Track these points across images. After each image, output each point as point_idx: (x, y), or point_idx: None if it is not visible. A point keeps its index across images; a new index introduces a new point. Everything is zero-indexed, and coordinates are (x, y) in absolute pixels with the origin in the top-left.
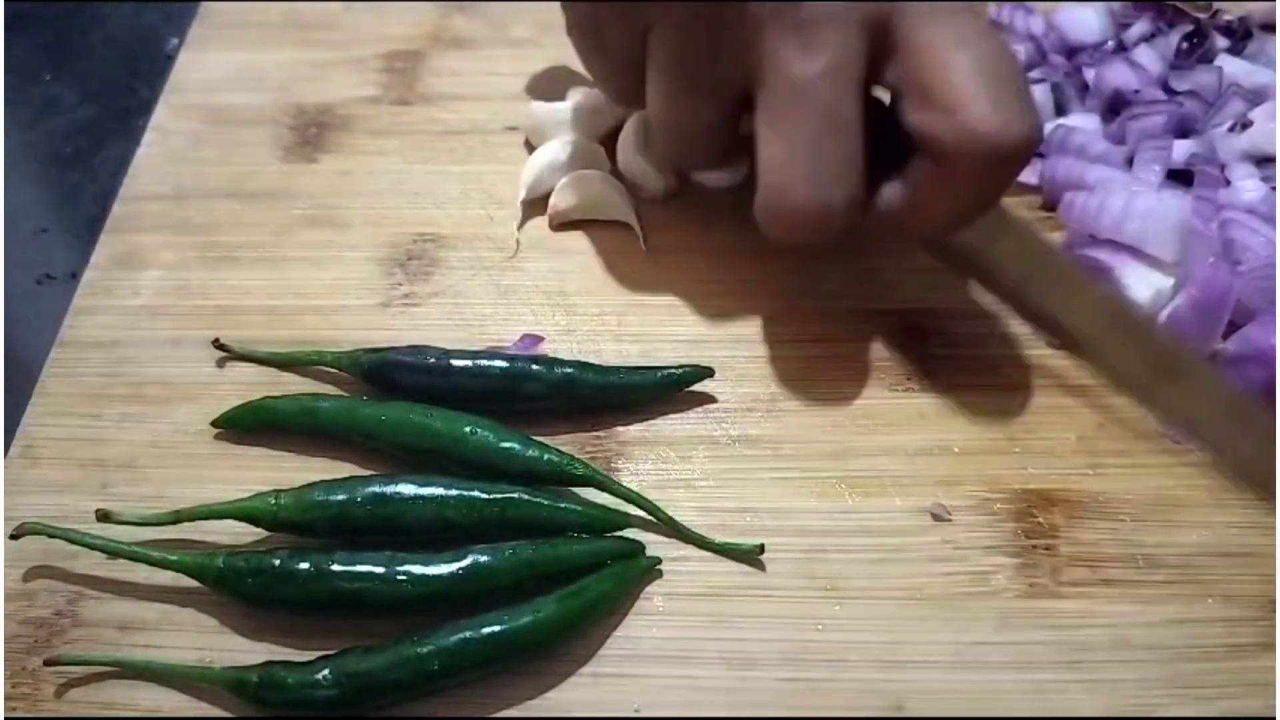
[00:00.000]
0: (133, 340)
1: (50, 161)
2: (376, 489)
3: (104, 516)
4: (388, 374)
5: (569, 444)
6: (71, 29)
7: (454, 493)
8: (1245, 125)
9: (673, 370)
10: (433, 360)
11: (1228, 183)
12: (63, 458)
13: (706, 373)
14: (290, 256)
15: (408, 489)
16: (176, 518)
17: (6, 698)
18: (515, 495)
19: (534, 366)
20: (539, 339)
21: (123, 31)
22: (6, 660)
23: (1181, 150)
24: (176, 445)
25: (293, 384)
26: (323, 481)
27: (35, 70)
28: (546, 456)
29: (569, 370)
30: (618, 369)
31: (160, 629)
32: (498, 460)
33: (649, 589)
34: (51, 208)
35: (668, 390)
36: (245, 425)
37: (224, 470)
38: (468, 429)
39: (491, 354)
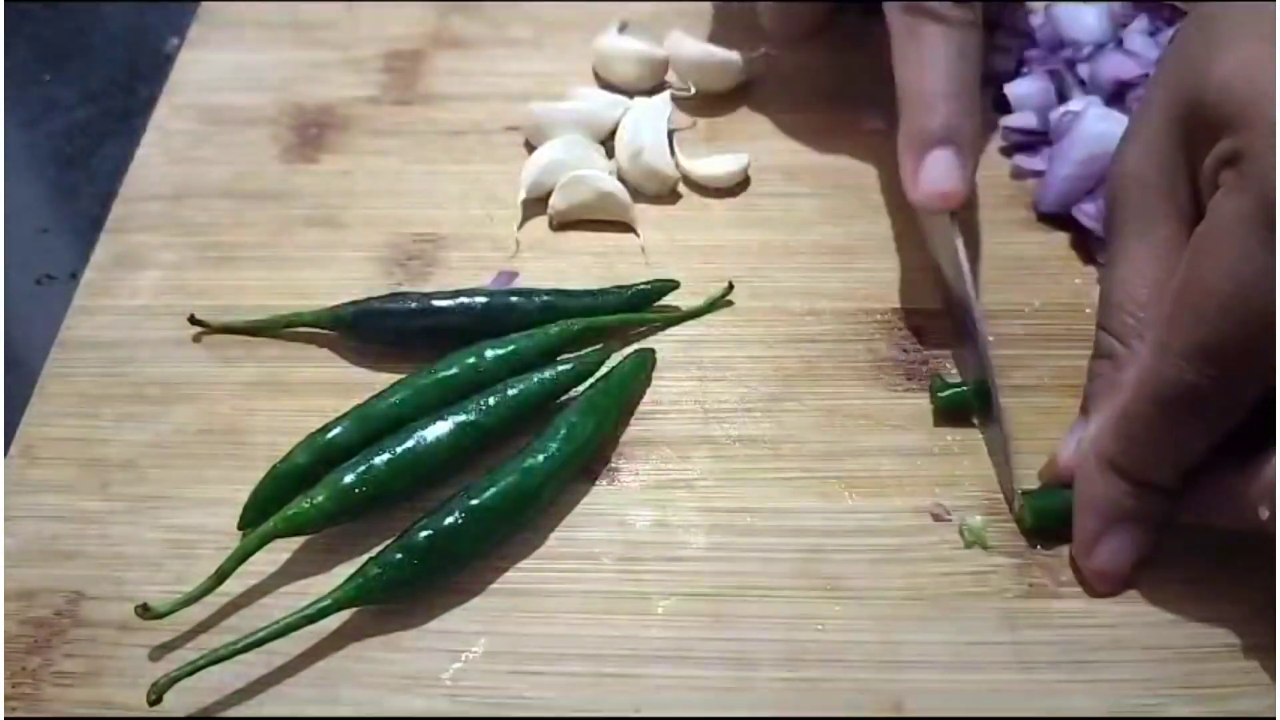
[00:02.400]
0: (133, 340)
1: (50, 161)
2: (392, 446)
3: (144, 611)
4: (370, 322)
5: None
6: (71, 29)
7: (460, 416)
8: None
9: (642, 286)
10: (414, 304)
11: None
12: (63, 458)
13: (672, 285)
14: (290, 256)
15: (419, 432)
16: (219, 577)
17: (6, 698)
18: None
19: (513, 298)
20: (514, 274)
21: (123, 31)
22: (6, 660)
23: None
24: (176, 445)
25: (287, 372)
26: (341, 467)
27: (35, 70)
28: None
29: (547, 298)
30: (591, 291)
31: (160, 628)
32: (515, 363)
33: (649, 589)
34: (51, 208)
35: (640, 304)
36: (271, 503)
37: (224, 470)
38: (471, 359)
39: (472, 291)
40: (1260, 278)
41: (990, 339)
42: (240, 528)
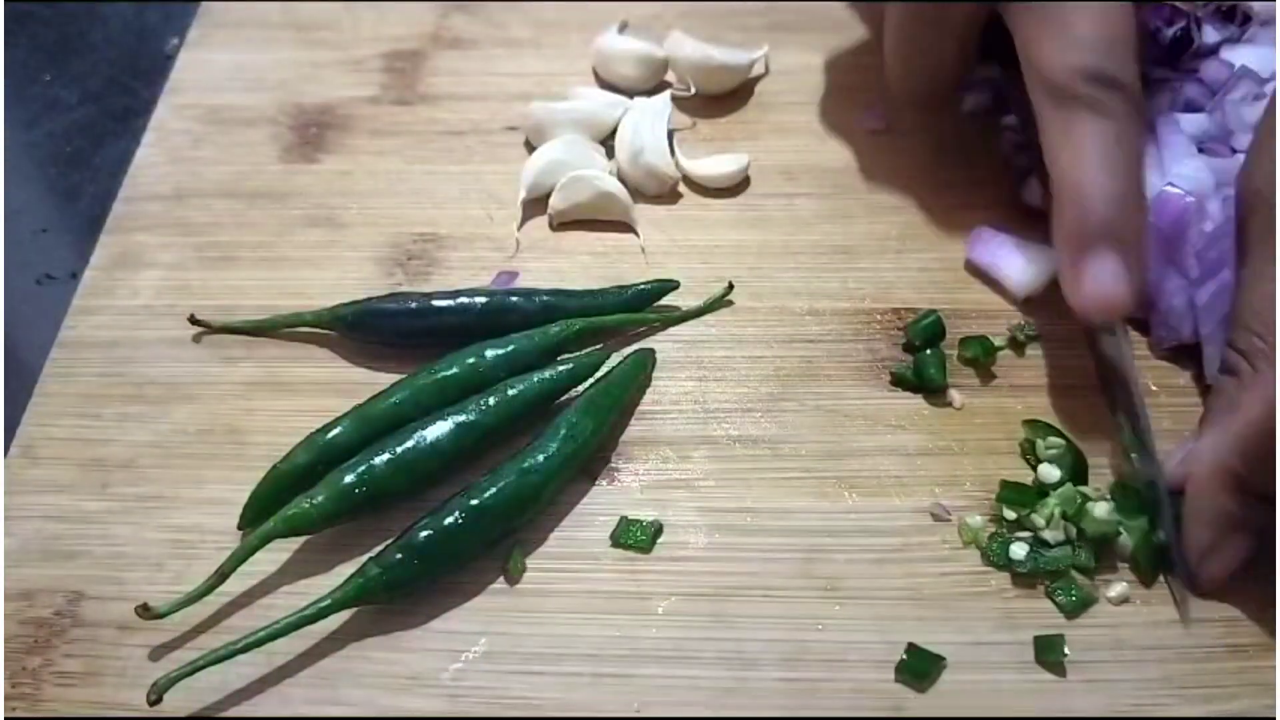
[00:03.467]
0: (133, 340)
1: (50, 161)
2: (392, 446)
3: (144, 611)
4: (370, 322)
5: None
6: (71, 29)
7: (460, 416)
8: (1260, 96)
9: (643, 286)
10: (414, 304)
11: (1233, 151)
12: (63, 458)
13: (672, 285)
14: (290, 256)
15: (419, 432)
16: (219, 577)
17: (6, 698)
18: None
19: (513, 298)
20: (514, 274)
21: (123, 31)
22: (6, 660)
23: (1192, 126)
24: (176, 445)
25: (287, 372)
26: (341, 467)
27: (35, 70)
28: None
29: (547, 298)
30: (592, 291)
31: (160, 628)
32: (515, 363)
33: (650, 589)
34: (51, 208)
35: (640, 304)
36: (271, 503)
37: (224, 470)
38: (471, 359)
39: (472, 291)
40: None
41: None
42: (240, 528)
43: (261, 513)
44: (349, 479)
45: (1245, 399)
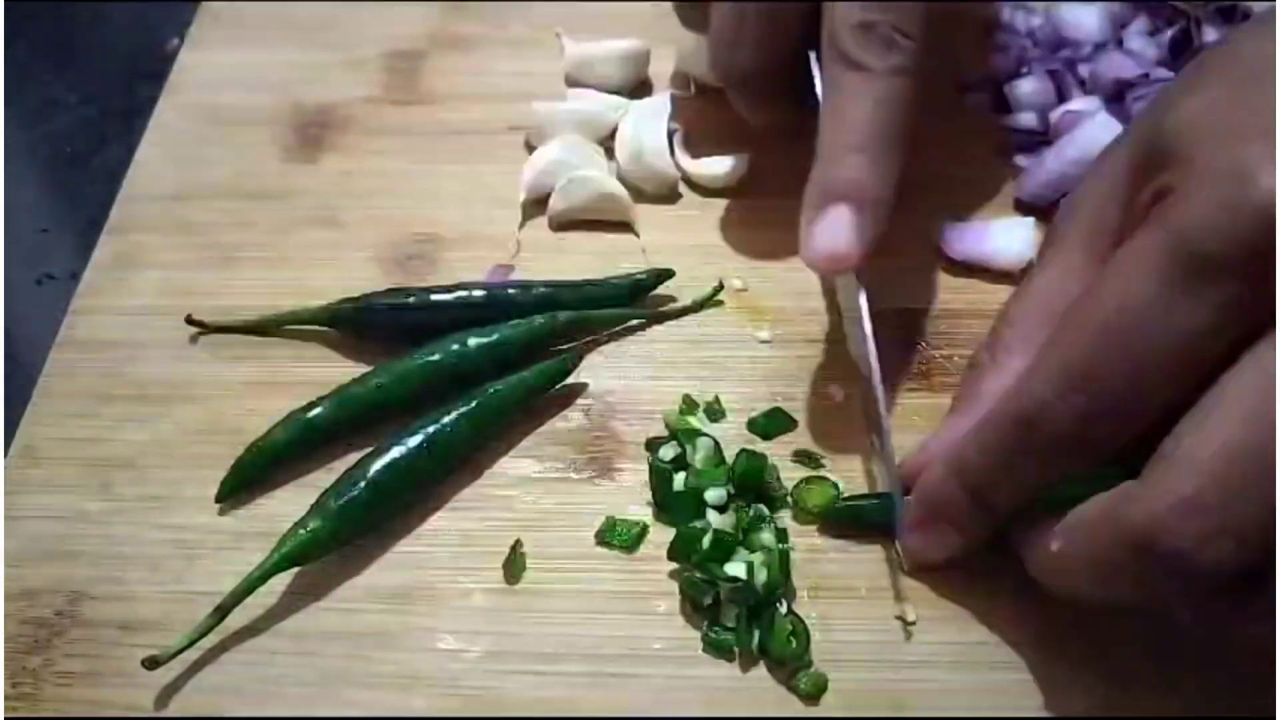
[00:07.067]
0: (133, 340)
1: (50, 161)
2: (377, 465)
3: (153, 663)
4: (369, 318)
5: (567, 442)
6: (71, 29)
7: (443, 420)
8: None
9: (639, 276)
10: (413, 299)
11: None
12: (63, 458)
13: (668, 274)
14: (290, 256)
15: (398, 450)
16: (220, 614)
17: (6, 698)
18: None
19: (511, 290)
20: (510, 267)
21: (123, 31)
22: (6, 660)
23: None
24: (177, 445)
25: (287, 372)
26: (328, 490)
27: (35, 70)
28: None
29: (545, 290)
30: (589, 282)
31: (160, 628)
32: (499, 353)
33: (649, 589)
34: (51, 208)
35: (638, 293)
36: (250, 478)
37: (224, 470)
38: (455, 345)
39: (470, 285)
40: (1147, 311)
41: (888, 421)
42: (218, 499)
43: (239, 486)
44: (333, 502)
45: (980, 390)
